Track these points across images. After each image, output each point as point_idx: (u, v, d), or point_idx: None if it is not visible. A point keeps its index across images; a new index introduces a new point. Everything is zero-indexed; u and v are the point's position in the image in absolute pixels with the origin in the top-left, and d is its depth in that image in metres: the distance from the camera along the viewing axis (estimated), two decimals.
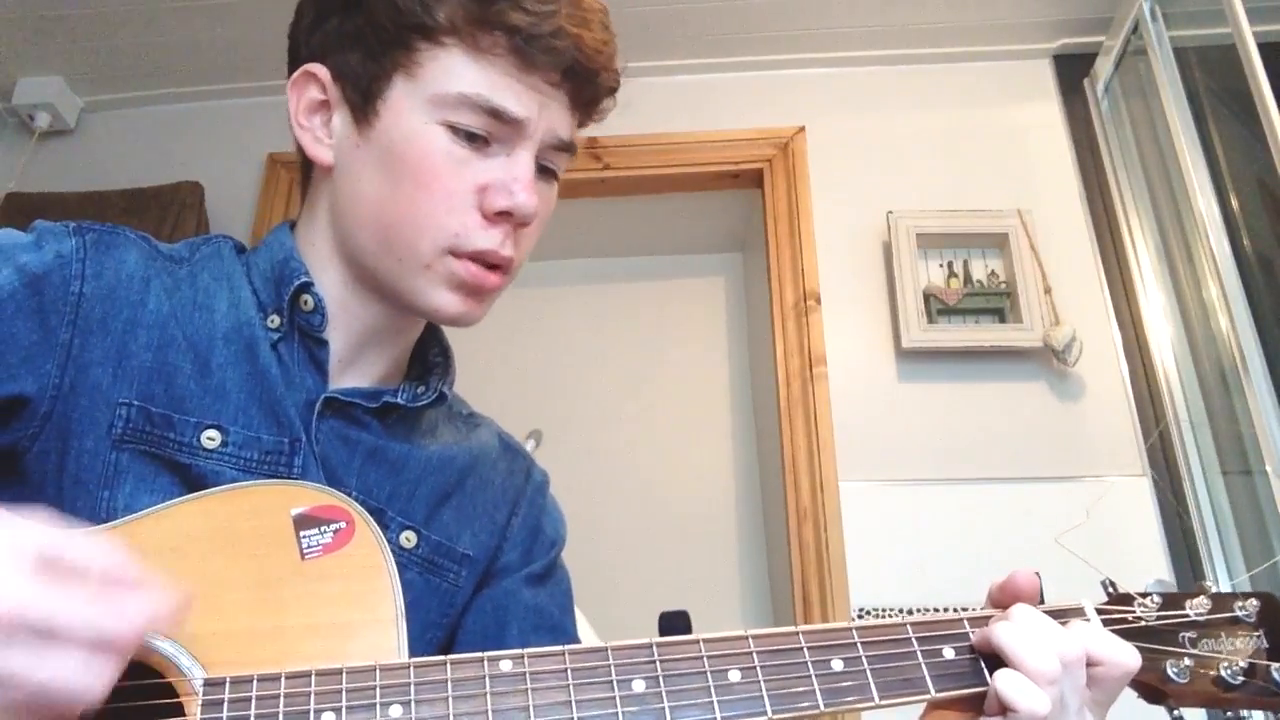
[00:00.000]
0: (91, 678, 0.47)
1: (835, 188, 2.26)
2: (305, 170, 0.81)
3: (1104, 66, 2.25)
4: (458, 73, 0.71)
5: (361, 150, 0.74)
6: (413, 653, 0.59)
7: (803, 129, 2.33)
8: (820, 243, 2.21)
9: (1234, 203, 1.90)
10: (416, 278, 0.73)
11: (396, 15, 0.71)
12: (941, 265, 2.17)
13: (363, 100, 0.73)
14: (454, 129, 0.71)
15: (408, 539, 0.76)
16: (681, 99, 2.39)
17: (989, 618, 0.63)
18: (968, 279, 2.16)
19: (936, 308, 2.09)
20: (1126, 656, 0.61)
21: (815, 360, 2.10)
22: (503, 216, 0.72)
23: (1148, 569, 1.85)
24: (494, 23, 0.70)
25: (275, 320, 0.74)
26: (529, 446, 2.55)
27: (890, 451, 2.03)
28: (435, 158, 0.71)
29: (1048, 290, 2.07)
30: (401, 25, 0.71)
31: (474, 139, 0.72)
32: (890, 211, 2.16)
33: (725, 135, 2.35)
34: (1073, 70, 2.34)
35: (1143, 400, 2.03)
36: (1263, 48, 1.72)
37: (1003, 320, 2.09)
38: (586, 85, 0.75)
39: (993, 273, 2.16)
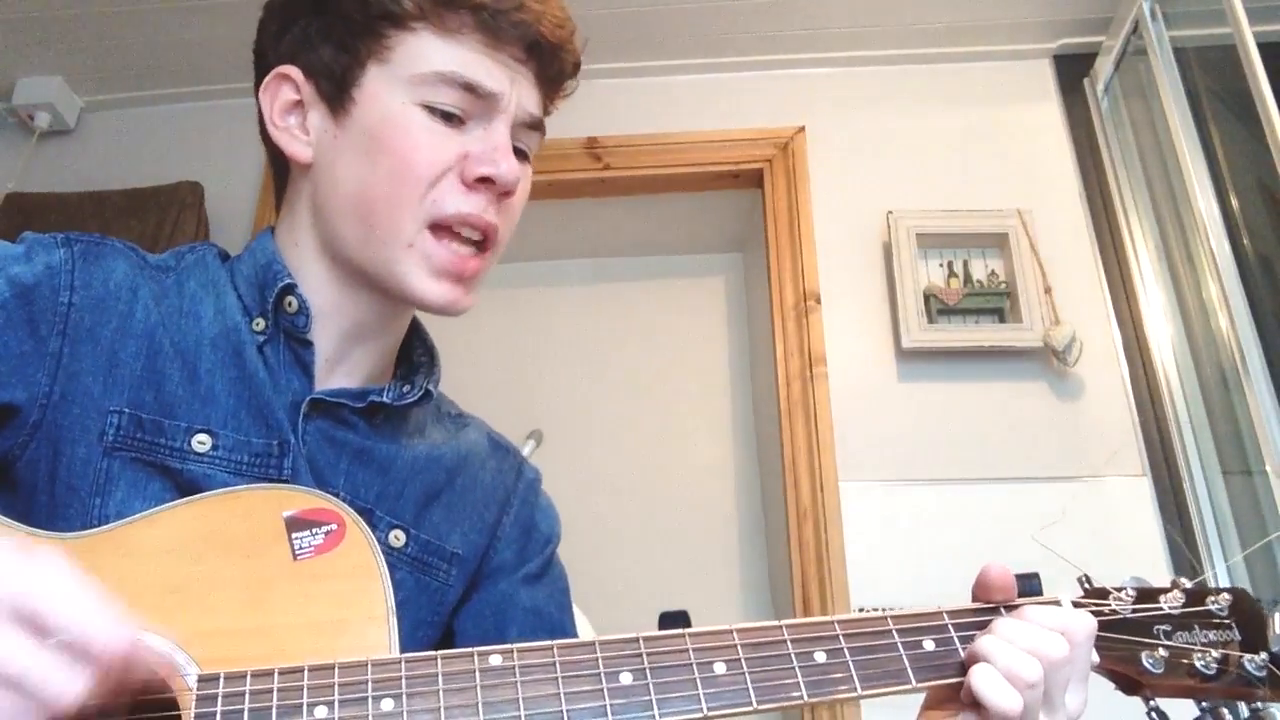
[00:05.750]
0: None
1: (835, 188, 2.26)
2: (280, 174, 0.82)
3: (1104, 66, 2.25)
4: (429, 53, 0.73)
5: (340, 140, 0.75)
6: (404, 650, 0.60)
7: (803, 129, 2.33)
8: (820, 243, 2.21)
9: (1234, 203, 1.90)
10: (401, 261, 0.74)
11: (364, 7, 0.73)
12: (941, 265, 2.17)
13: (337, 90, 0.75)
14: (430, 109, 0.73)
15: (396, 538, 0.77)
16: (681, 99, 2.39)
17: (968, 610, 0.65)
18: (968, 279, 2.15)
19: (936, 308, 2.09)
20: (1079, 621, 0.62)
21: (815, 360, 2.10)
22: (483, 184, 0.74)
23: (1147, 570, 1.84)
24: (459, 3, 0.73)
25: (260, 323, 0.75)
26: (529, 446, 2.54)
27: (890, 451, 2.02)
28: (415, 134, 0.73)
29: (1048, 290, 2.07)
30: (370, 15, 0.73)
31: (450, 118, 0.74)
32: (890, 211, 2.16)
33: (725, 135, 2.35)
34: (1073, 70, 2.34)
35: (1143, 400, 2.02)
36: (1263, 48, 1.72)
37: (1003, 320, 2.09)
38: (551, 61, 0.78)
39: (993, 273, 2.16)
